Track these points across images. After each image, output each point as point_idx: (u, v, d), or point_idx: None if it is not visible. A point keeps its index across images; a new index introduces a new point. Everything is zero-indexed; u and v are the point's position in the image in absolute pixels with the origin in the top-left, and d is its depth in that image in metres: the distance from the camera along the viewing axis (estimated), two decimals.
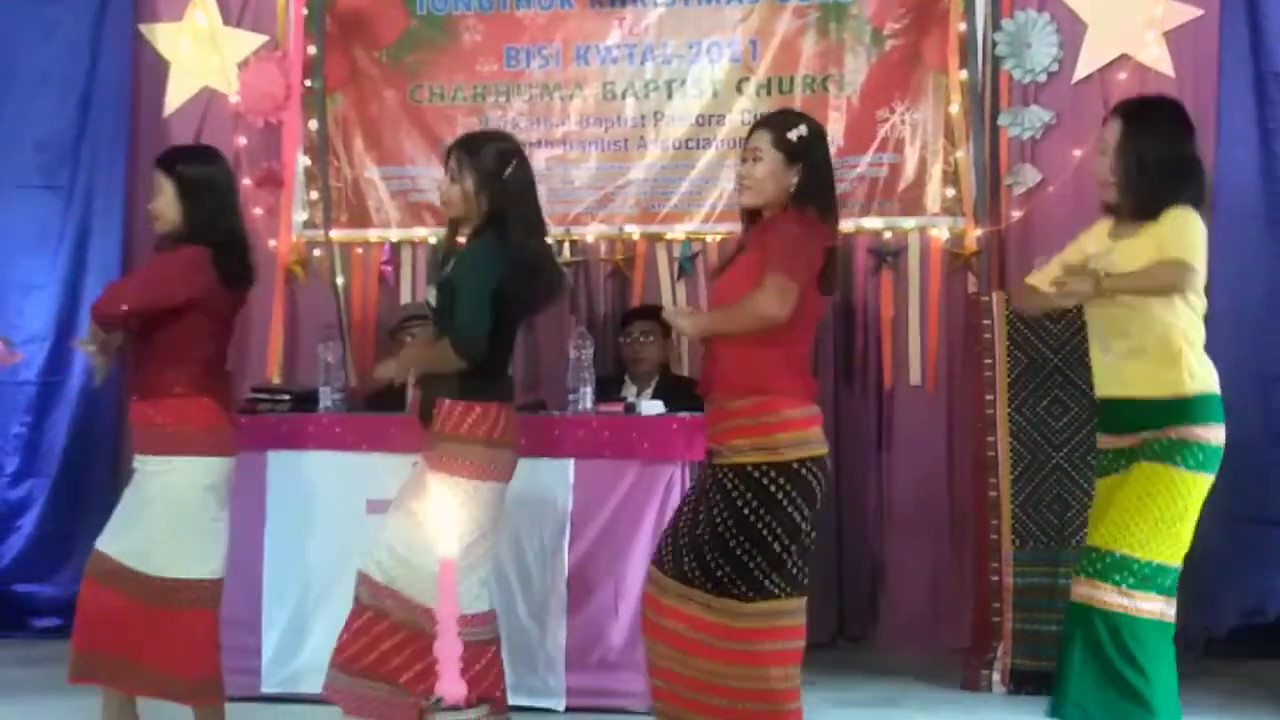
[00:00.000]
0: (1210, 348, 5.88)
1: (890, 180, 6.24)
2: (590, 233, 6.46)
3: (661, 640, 3.91)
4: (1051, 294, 4.04)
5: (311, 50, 6.59)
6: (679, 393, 5.68)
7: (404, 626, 4.11)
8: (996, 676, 5.28)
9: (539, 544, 5.04)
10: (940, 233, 6.22)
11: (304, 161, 6.63)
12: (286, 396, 5.46)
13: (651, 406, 5.23)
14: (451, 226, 4.25)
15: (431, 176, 6.53)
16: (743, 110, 6.33)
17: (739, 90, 6.37)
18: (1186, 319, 3.94)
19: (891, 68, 6.25)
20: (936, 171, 6.21)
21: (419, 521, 4.04)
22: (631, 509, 4.97)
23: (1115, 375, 4.02)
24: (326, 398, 5.30)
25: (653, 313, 6.09)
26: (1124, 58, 6.09)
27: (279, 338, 6.57)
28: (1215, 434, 3.94)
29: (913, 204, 6.23)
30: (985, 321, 5.42)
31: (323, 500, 5.17)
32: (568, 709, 4.93)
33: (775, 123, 3.98)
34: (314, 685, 4.82)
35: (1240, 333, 5.89)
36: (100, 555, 4.34)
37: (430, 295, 4.25)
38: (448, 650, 2.57)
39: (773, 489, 3.79)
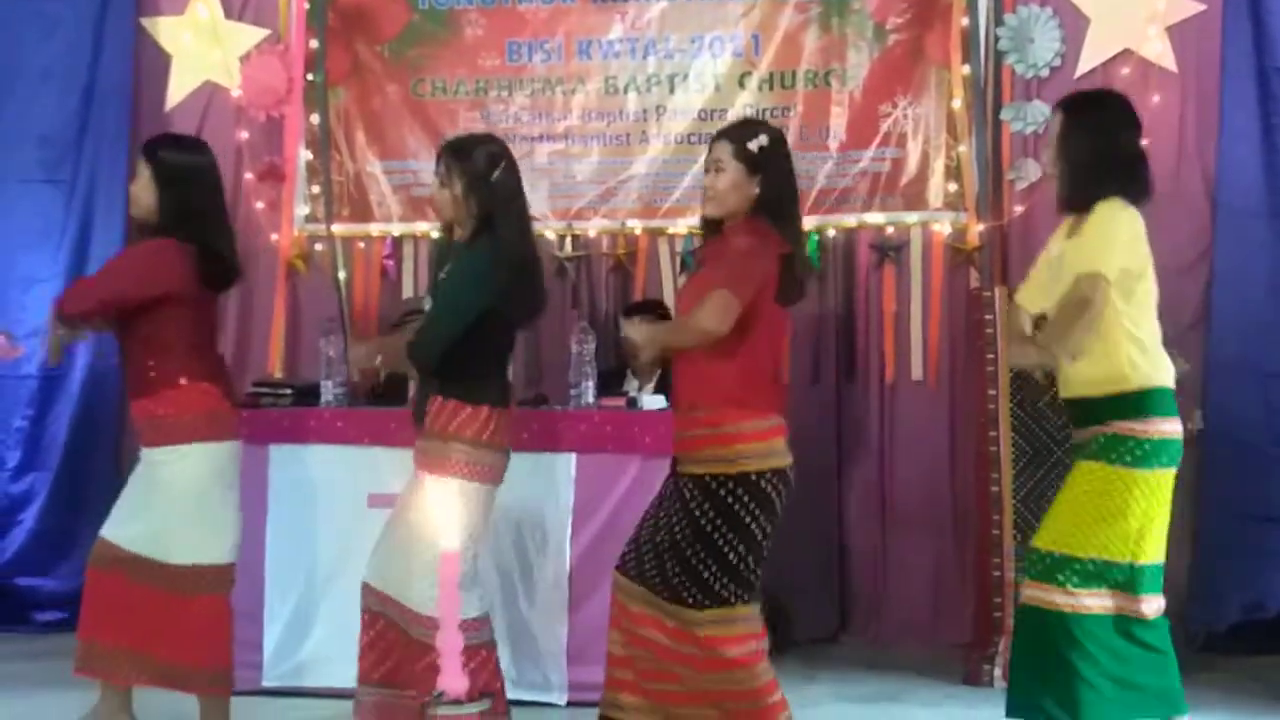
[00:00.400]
0: (1212, 343, 5.92)
1: (892, 175, 6.23)
2: (592, 227, 6.46)
3: (638, 646, 3.92)
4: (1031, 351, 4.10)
5: (313, 44, 6.59)
6: None
7: (413, 636, 4.07)
8: (998, 671, 5.28)
9: (541, 538, 5.04)
10: (942, 228, 6.22)
11: (306, 156, 6.63)
12: (288, 390, 5.46)
13: (654, 401, 5.23)
14: (446, 229, 4.25)
15: (433, 171, 6.52)
16: (745, 105, 6.33)
17: (741, 85, 6.36)
18: (1127, 314, 3.92)
19: (894, 62, 6.24)
20: (939, 166, 6.21)
21: (413, 525, 4.03)
22: (634, 503, 4.95)
23: (1067, 376, 4.03)
24: (328, 392, 5.30)
25: (655, 307, 6.09)
26: (1126, 52, 6.09)
27: (280, 332, 6.57)
28: (1156, 427, 3.91)
29: (915, 199, 6.23)
30: (987, 316, 5.42)
31: (325, 494, 5.18)
32: (569, 703, 4.93)
33: (735, 133, 3.97)
34: (316, 679, 4.84)
35: (1242, 328, 5.90)
36: (106, 544, 4.34)
37: (427, 300, 4.26)
38: (449, 644, 2.57)
39: (730, 500, 3.80)
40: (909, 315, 6.21)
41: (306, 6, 6.55)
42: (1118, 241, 3.92)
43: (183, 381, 4.26)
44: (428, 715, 3.89)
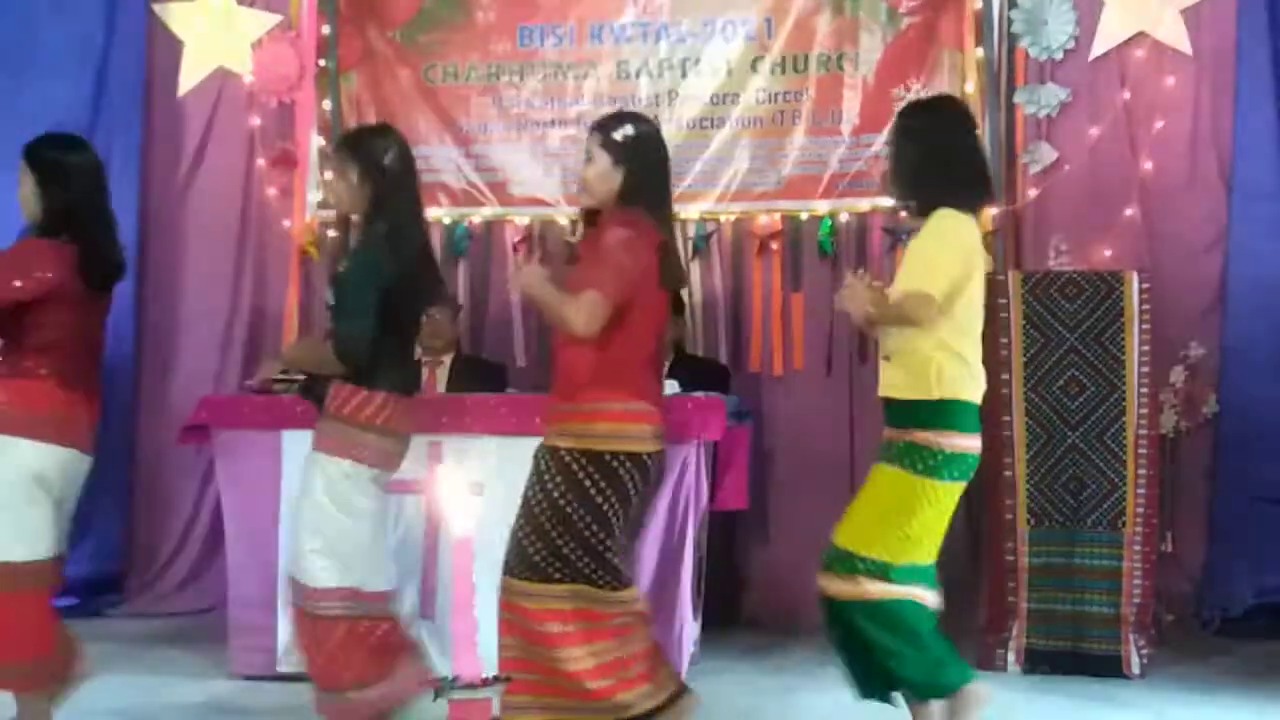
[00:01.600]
0: (1228, 325, 5.90)
1: None
2: None
3: (511, 634, 3.92)
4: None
5: (325, 30, 6.59)
6: (694, 372, 5.68)
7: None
8: (1011, 655, 5.28)
9: None
10: None
11: (318, 141, 6.63)
12: (301, 376, 5.45)
13: (667, 386, 5.22)
14: (341, 222, 4.27)
15: (446, 156, 6.54)
16: (758, 89, 6.32)
17: (754, 69, 6.35)
18: (945, 326, 3.92)
19: (907, 46, 6.22)
20: None
21: (302, 505, 4.13)
22: None
23: (882, 374, 4.07)
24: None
25: None
26: (1141, 35, 6.06)
27: (294, 318, 6.59)
28: (953, 441, 3.92)
29: None
30: (1001, 300, 5.39)
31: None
32: None
33: (604, 124, 4.03)
34: None
35: (1258, 311, 5.88)
36: None
37: (329, 294, 4.24)
38: (463, 628, 2.58)
39: (580, 475, 3.85)
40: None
41: None
42: (942, 257, 3.91)
43: (42, 373, 4.13)
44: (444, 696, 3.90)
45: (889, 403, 4.03)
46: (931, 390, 3.91)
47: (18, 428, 4.12)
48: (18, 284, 4.05)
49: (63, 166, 4.21)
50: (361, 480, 4.08)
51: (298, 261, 6.61)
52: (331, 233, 6.35)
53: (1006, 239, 6.12)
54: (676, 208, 6.29)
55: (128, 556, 6.65)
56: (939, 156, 3.98)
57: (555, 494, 3.86)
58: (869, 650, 3.95)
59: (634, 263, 3.86)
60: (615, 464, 3.86)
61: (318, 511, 4.06)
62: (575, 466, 3.86)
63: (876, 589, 3.93)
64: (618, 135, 3.95)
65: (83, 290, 4.16)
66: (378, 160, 4.11)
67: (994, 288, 5.49)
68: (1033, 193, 6.15)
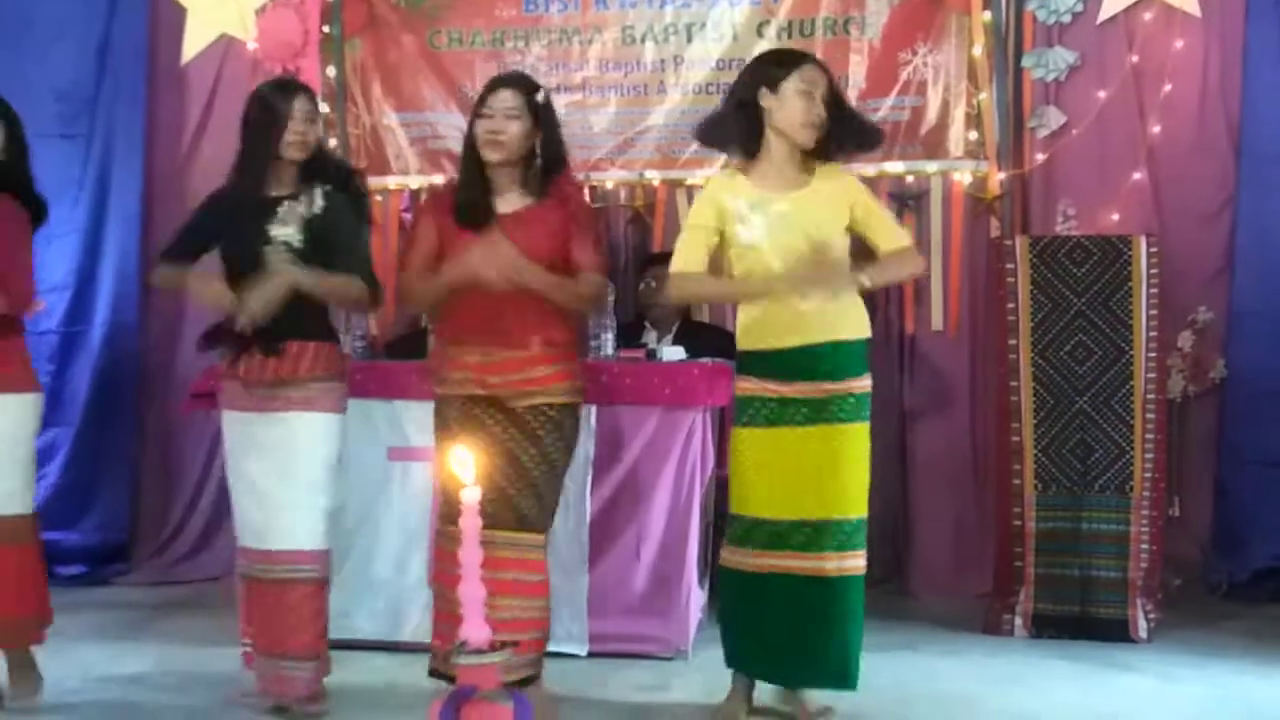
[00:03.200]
0: (1235, 290, 5.88)
1: (912, 124, 6.17)
2: (610, 179, 6.42)
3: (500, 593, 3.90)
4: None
5: None
6: (700, 339, 5.68)
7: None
8: (1019, 620, 5.28)
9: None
10: (963, 176, 6.17)
11: (322, 108, 6.59)
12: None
13: (673, 353, 5.22)
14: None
15: (451, 123, 6.50)
16: None
17: (759, 34, 6.31)
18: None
19: (913, 9, 6.18)
20: (959, 114, 6.15)
21: (298, 469, 4.21)
22: (653, 455, 4.97)
23: (821, 321, 4.06)
24: (347, 345, 5.27)
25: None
26: None
27: None
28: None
29: (935, 147, 6.17)
30: (1009, 265, 5.38)
31: (346, 448, 5.17)
32: (590, 654, 4.94)
33: (522, 84, 4.14)
34: (340, 631, 4.84)
35: (1266, 275, 5.85)
36: None
37: (289, 234, 4.21)
38: (470, 594, 2.57)
39: (577, 428, 4.20)
40: (929, 265, 6.16)
41: None
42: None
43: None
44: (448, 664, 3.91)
45: (839, 346, 4.04)
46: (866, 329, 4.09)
47: (29, 384, 4.35)
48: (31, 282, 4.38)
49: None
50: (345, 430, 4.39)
51: None
52: None
53: (1014, 203, 6.09)
54: (682, 174, 6.36)
55: (135, 526, 6.65)
56: (723, 108, 4.22)
57: (567, 448, 4.13)
58: (838, 631, 4.01)
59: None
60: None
61: (329, 472, 4.25)
62: (575, 420, 4.17)
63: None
64: (538, 97, 4.09)
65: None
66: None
67: (1001, 253, 5.48)
68: (1040, 157, 6.11)
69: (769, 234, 3.99)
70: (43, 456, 6.49)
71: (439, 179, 6.45)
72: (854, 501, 4.02)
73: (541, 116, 4.09)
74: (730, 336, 6.16)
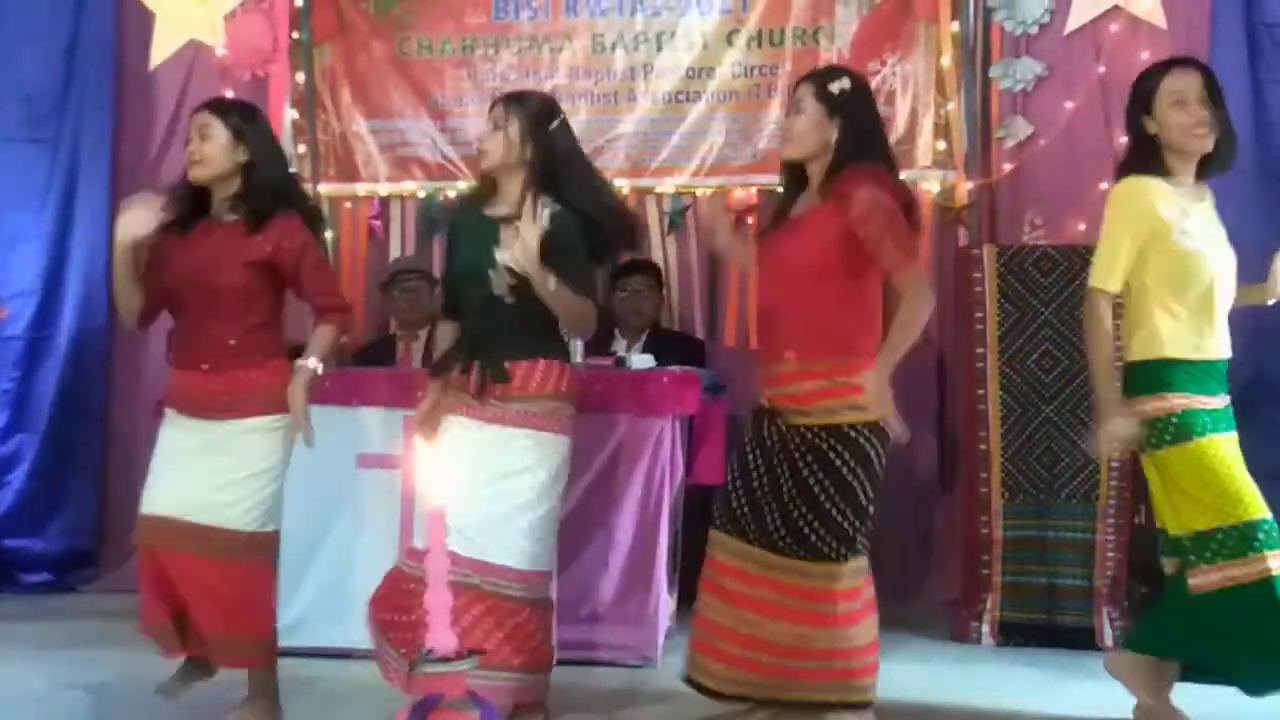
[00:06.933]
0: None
1: None
2: None
3: (746, 608, 3.85)
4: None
5: (298, 2, 6.54)
6: (669, 347, 5.69)
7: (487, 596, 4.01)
8: (986, 628, 5.31)
9: None
10: (931, 186, 6.20)
11: (291, 115, 6.59)
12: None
13: (642, 360, 5.22)
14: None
15: (420, 130, 6.51)
16: (733, 63, 6.31)
17: (729, 42, 6.33)
18: None
19: (882, 19, 6.21)
20: (927, 124, 6.18)
21: (520, 487, 4.00)
22: (622, 463, 4.97)
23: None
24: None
25: (648, 266, 6.08)
26: (1116, 9, 6.05)
27: None
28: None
29: (904, 157, 6.16)
30: (976, 275, 5.40)
31: (313, 454, 5.14)
32: (558, 662, 4.93)
33: (818, 76, 3.98)
34: (306, 639, 4.84)
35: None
36: None
37: (504, 255, 3.95)
38: (438, 601, 2.57)
39: (868, 449, 3.86)
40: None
41: None
42: None
43: None
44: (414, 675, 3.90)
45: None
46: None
47: None
48: None
49: None
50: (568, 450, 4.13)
51: None
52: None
53: (981, 213, 6.13)
54: (652, 182, 6.37)
55: (102, 532, 6.62)
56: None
57: (844, 471, 3.84)
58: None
59: (905, 222, 3.88)
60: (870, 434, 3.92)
61: (539, 491, 4.02)
62: (861, 440, 3.88)
63: None
64: (834, 88, 3.89)
65: None
66: (545, 124, 4.09)
67: (969, 262, 5.51)
68: (1008, 167, 6.15)
69: None
70: (8, 463, 6.51)
71: (409, 186, 6.46)
72: None
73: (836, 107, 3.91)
74: (699, 343, 6.20)
